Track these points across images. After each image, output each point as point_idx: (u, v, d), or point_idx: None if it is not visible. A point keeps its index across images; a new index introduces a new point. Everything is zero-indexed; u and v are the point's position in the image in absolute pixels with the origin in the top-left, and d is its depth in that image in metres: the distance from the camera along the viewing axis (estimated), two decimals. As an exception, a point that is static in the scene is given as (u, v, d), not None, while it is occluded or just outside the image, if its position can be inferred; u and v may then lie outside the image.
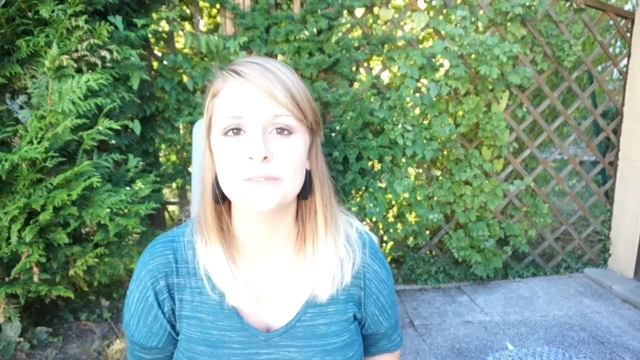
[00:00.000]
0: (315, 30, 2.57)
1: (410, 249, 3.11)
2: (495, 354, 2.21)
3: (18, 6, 1.72)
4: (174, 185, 2.95)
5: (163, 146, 2.77)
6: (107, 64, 1.98)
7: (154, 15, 2.39)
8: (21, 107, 1.78)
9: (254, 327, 0.71)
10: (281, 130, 0.61)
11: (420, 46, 2.89)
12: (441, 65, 2.76)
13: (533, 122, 3.20)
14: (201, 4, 2.73)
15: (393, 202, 2.88)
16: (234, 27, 2.56)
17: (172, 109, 2.49)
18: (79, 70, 1.89)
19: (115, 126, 1.85)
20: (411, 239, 2.96)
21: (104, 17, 2.02)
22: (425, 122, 2.83)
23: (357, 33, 2.88)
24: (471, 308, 2.75)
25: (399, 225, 2.90)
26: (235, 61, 0.65)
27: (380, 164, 2.84)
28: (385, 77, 2.99)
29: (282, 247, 0.72)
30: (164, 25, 2.59)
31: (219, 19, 2.76)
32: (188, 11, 2.82)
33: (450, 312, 2.70)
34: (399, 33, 2.83)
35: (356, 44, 2.71)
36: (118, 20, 2.06)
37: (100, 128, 1.82)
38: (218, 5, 2.58)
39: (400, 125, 2.69)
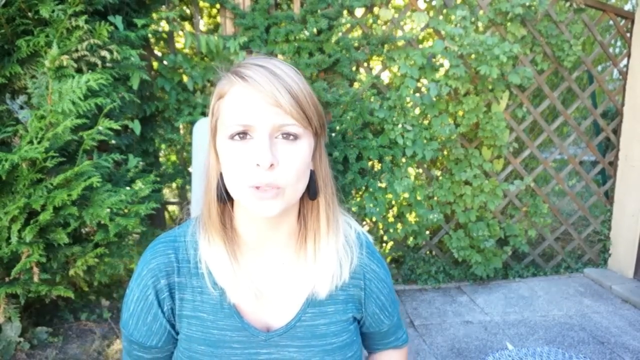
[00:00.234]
0: (315, 30, 2.57)
1: (410, 249, 3.11)
2: (495, 354, 2.21)
3: (18, 6, 1.72)
4: (174, 185, 2.96)
5: (163, 146, 2.76)
6: (107, 64, 1.98)
7: (154, 15, 2.39)
8: (21, 107, 1.78)
9: (254, 326, 0.71)
10: (287, 135, 0.62)
11: (420, 46, 2.89)
12: (441, 65, 2.76)
13: (533, 122, 3.20)
14: (201, 4, 2.73)
15: (393, 202, 2.88)
16: (234, 27, 2.56)
17: (172, 109, 2.49)
18: (79, 70, 1.89)
19: (115, 126, 1.85)
20: (411, 239, 2.96)
21: (104, 17, 2.02)
22: (425, 122, 2.83)
23: (357, 33, 2.88)
24: (471, 308, 2.75)
25: (399, 225, 2.90)
26: (241, 62, 0.65)
27: (380, 164, 2.84)
28: (385, 77, 2.99)
29: (283, 246, 0.73)
30: (164, 25, 2.59)
31: (219, 19, 2.76)
32: (188, 11, 2.82)
33: (450, 312, 2.70)
34: (399, 33, 2.83)
35: (356, 44, 2.71)
36: (118, 20, 2.06)
37: (100, 128, 1.82)
38: (218, 5, 2.58)
39: (400, 125, 2.69)
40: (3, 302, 1.94)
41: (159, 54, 2.74)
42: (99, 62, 1.92)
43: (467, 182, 2.94)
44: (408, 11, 2.80)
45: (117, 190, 1.92)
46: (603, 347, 2.31)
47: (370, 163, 2.82)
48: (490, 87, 2.79)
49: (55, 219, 1.78)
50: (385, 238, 2.95)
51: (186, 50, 2.71)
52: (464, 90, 2.73)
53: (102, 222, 1.86)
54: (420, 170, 3.08)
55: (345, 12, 2.66)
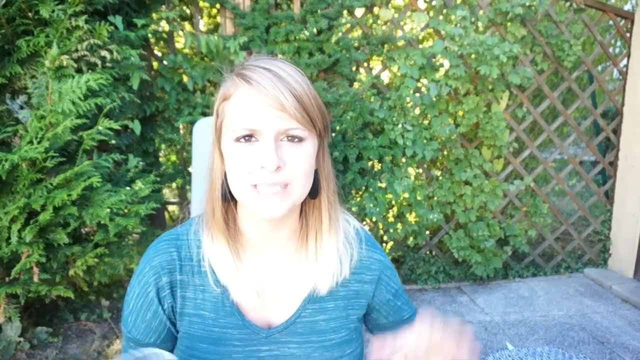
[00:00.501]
0: (315, 30, 2.57)
1: (410, 249, 3.11)
2: (495, 354, 2.21)
3: (18, 6, 1.72)
4: (174, 185, 2.96)
5: (163, 146, 2.76)
6: (107, 64, 1.98)
7: (154, 15, 2.39)
8: (21, 107, 1.78)
9: (255, 324, 0.72)
10: (292, 138, 0.63)
11: (420, 46, 2.89)
12: (441, 65, 2.76)
13: (533, 122, 3.20)
14: (201, 4, 2.73)
15: (393, 202, 2.88)
16: (234, 27, 2.56)
17: (172, 109, 2.49)
18: (79, 70, 1.89)
19: (115, 126, 1.85)
20: (411, 239, 2.96)
21: (104, 17, 2.02)
22: (425, 122, 2.83)
23: (357, 33, 2.88)
24: (471, 308, 2.75)
25: (399, 225, 2.90)
26: (245, 63, 0.65)
27: (380, 164, 2.84)
28: (385, 77, 2.99)
29: (285, 244, 0.74)
30: (164, 25, 2.59)
31: (219, 19, 2.76)
32: (188, 11, 2.82)
33: (450, 312, 2.70)
34: (399, 33, 2.83)
35: (356, 44, 2.71)
36: (118, 20, 2.06)
37: (100, 128, 1.82)
38: (218, 5, 2.58)
39: (400, 125, 2.69)
40: (3, 302, 1.94)
41: (159, 54, 2.74)
42: (99, 62, 1.91)
43: (467, 182, 2.94)
44: (408, 11, 2.80)
45: (117, 190, 1.92)
46: (603, 347, 2.31)
47: (370, 163, 2.82)
48: (490, 87, 2.79)
49: (55, 219, 1.78)
50: (385, 238, 2.94)
51: (186, 50, 2.71)
52: (464, 90, 2.72)
53: (102, 222, 1.86)
54: (420, 170, 3.08)
55: (345, 12, 2.66)
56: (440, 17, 2.77)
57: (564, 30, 2.88)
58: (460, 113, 2.81)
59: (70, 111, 1.74)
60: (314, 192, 0.70)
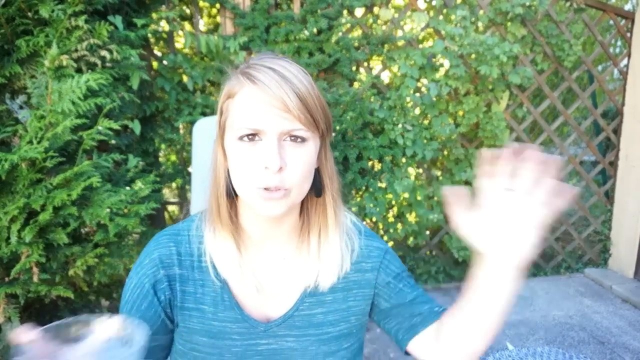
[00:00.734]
0: (315, 30, 2.57)
1: (410, 249, 3.11)
2: (496, 354, 2.21)
3: (18, 6, 1.72)
4: (174, 185, 2.95)
5: (163, 146, 2.76)
6: (107, 64, 1.98)
7: (154, 15, 2.39)
8: (21, 107, 1.77)
9: (254, 318, 0.73)
10: (295, 138, 0.63)
11: (420, 46, 2.89)
12: (441, 65, 2.76)
13: (533, 122, 3.20)
14: (201, 4, 2.73)
15: (393, 202, 2.88)
16: (234, 27, 2.56)
17: (172, 109, 2.49)
18: (78, 70, 1.89)
19: (115, 126, 1.84)
20: (411, 239, 2.96)
21: (103, 17, 2.02)
22: (426, 122, 2.83)
23: (357, 33, 2.88)
24: (471, 308, 2.75)
25: (399, 225, 2.90)
26: (250, 61, 0.66)
27: (380, 164, 2.84)
28: (385, 77, 2.98)
29: (285, 241, 0.75)
30: (164, 25, 2.59)
31: (219, 19, 2.76)
32: (188, 11, 2.82)
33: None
34: (399, 33, 2.83)
35: (356, 44, 2.71)
36: (118, 20, 2.06)
37: (100, 128, 1.82)
38: (218, 5, 2.58)
39: (400, 125, 2.68)
40: (3, 302, 1.93)
41: (159, 54, 2.74)
42: (98, 62, 1.91)
43: (467, 182, 2.94)
44: (408, 11, 2.79)
45: (117, 190, 1.92)
46: (603, 347, 2.31)
47: (370, 163, 2.82)
48: (490, 87, 2.78)
49: (55, 219, 1.77)
50: (385, 238, 2.94)
51: (186, 50, 2.71)
52: (464, 90, 2.72)
53: (102, 222, 1.85)
54: (420, 170, 3.08)
55: (345, 12, 2.66)
56: (440, 17, 2.77)
57: (564, 30, 2.88)
58: (461, 113, 2.81)
59: (70, 111, 1.74)
60: (318, 190, 0.71)
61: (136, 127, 2.23)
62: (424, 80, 2.78)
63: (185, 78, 2.51)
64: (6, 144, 1.79)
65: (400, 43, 2.78)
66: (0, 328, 1.98)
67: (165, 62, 2.49)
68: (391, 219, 2.94)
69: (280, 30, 2.52)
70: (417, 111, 2.81)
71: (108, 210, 1.84)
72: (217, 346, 0.72)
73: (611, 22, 3.19)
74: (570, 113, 3.10)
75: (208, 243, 0.72)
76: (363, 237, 0.79)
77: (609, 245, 3.34)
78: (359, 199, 2.82)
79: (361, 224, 0.82)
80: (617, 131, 3.28)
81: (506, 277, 0.61)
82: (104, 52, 1.91)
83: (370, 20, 2.71)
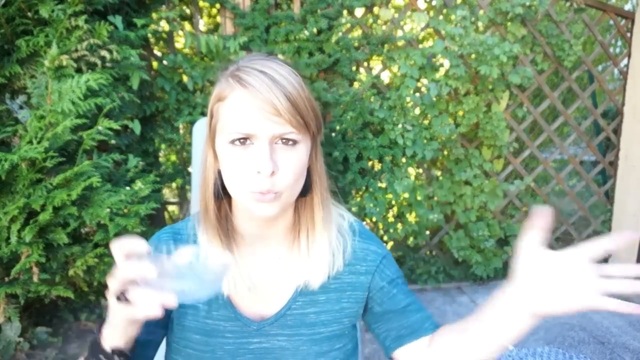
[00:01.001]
0: (315, 30, 2.57)
1: (410, 249, 3.11)
2: (496, 354, 2.21)
3: (18, 6, 1.72)
4: (174, 185, 2.95)
5: (163, 146, 2.76)
6: (107, 64, 1.98)
7: (154, 15, 2.39)
8: (21, 107, 1.78)
9: (247, 317, 0.74)
10: (286, 141, 0.63)
11: (420, 46, 2.89)
12: (441, 65, 2.76)
13: (533, 122, 3.20)
14: (201, 3, 2.73)
15: (393, 202, 2.88)
16: (234, 27, 2.56)
17: (172, 109, 2.49)
18: (78, 70, 1.89)
19: (115, 126, 1.85)
20: (411, 239, 2.96)
21: (103, 17, 2.02)
22: (425, 122, 2.83)
23: (357, 33, 2.88)
24: (471, 308, 2.75)
25: (399, 225, 2.90)
26: (240, 63, 0.65)
27: (380, 164, 2.84)
28: (385, 77, 2.98)
29: (278, 241, 0.75)
30: (164, 25, 2.59)
31: (219, 18, 2.76)
32: (188, 11, 2.82)
33: (450, 313, 2.69)
34: (399, 33, 2.83)
35: (356, 44, 2.70)
36: (118, 20, 2.06)
37: (100, 128, 1.82)
38: (218, 5, 2.58)
39: (400, 125, 2.68)
40: (3, 302, 1.93)
41: (159, 53, 2.74)
42: (98, 62, 1.91)
43: (467, 182, 2.94)
44: (408, 11, 2.79)
45: (117, 190, 1.92)
46: (603, 347, 2.31)
47: (370, 163, 2.82)
48: (490, 87, 2.78)
49: (55, 219, 1.78)
50: (385, 238, 2.94)
51: (186, 50, 2.71)
52: (464, 90, 2.72)
53: (102, 222, 1.86)
54: (420, 170, 3.08)
55: (345, 12, 2.66)
56: (440, 17, 2.77)
57: (564, 30, 2.88)
58: (460, 113, 2.81)
59: (70, 111, 1.74)
60: (306, 189, 0.71)
61: (136, 127, 2.23)
62: (424, 80, 2.78)
63: (185, 78, 2.51)
64: (6, 144, 1.79)
65: (400, 43, 2.78)
66: (0, 328, 1.99)
67: (165, 62, 2.49)
68: (391, 219, 2.94)
69: (280, 30, 2.52)
70: (417, 111, 2.81)
71: (108, 210, 1.84)
72: (210, 344, 0.72)
73: (611, 22, 3.18)
74: (570, 113, 3.10)
75: (202, 244, 0.73)
76: (360, 239, 0.79)
77: (609, 245, 3.34)
78: (359, 199, 2.82)
79: (360, 225, 0.82)
80: (617, 131, 3.28)
81: (521, 320, 0.61)
82: (104, 52, 1.91)
83: (370, 20, 2.71)
